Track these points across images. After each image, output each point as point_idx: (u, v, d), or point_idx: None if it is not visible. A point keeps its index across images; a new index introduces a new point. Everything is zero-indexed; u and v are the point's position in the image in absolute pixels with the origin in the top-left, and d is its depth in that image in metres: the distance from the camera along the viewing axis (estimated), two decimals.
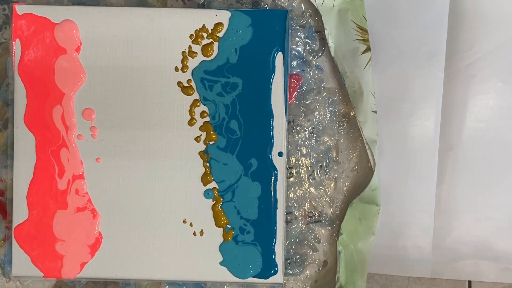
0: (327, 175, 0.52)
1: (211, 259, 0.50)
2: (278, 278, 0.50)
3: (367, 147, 0.50)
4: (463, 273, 0.52)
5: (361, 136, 0.51)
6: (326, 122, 0.52)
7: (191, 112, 0.50)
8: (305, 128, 0.52)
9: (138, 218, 0.50)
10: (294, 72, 0.52)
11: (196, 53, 0.49)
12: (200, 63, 0.49)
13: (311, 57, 0.52)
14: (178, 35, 0.49)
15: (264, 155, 0.49)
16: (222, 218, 0.50)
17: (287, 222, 0.52)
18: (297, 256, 0.52)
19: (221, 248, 0.50)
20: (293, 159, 0.52)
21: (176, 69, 0.49)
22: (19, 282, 0.53)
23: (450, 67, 0.51)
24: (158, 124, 0.50)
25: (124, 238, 0.50)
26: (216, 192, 0.50)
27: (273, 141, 0.49)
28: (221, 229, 0.50)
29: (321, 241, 0.52)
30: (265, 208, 0.49)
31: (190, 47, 0.49)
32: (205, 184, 0.50)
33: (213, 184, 0.50)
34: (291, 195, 0.52)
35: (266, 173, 0.49)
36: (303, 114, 0.52)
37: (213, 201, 0.50)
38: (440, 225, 0.52)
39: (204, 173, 0.50)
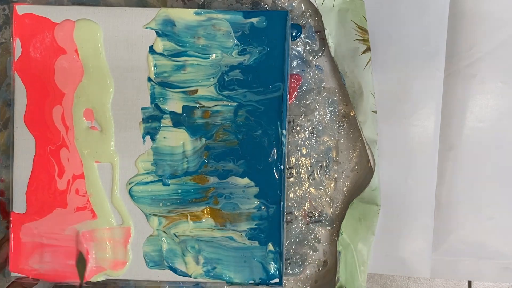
0: (327, 175, 0.52)
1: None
2: (278, 280, 0.50)
3: (367, 147, 0.50)
4: (463, 273, 0.52)
5: (361, 136, 0.51)
6: (326, 122, 0.52)
7: (192, 112, 0.50)
8: (305, 128, 0.52)
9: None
10: (294, 72, 0.52)
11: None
12: (199, 63, 0.49)
13: (311, 57, 0.52)
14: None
15: (264, 155, 0.49)
16: (221, 219, 0.50)
17: (287, 222, 0.52)
18: (297, 256, 0.52)
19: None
20: (293, 159, 0.52)
21: None
22: None
23: (450, 67, 0.51)
24: (158, 124, 0.50)
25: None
26: (215, 192, 0.50)
27: (273, 144, 0.49)
28: None
29: (321, 241, 0.52)
30: (265, 209, 0.49)
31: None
32: (203, 184, 0.50)
33: (212, 184, 0.50)
34: (291, 195, 0.52)
35: (267, 174, 0.49)
36: (303, 114, 0.52)
37: (212, 201, 0.50)
38: (440, 225, 0.52)
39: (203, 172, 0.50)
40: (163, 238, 0.50)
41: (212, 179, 0.50)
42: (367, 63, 0.49)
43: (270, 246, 0.49)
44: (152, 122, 0.50)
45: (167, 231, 0.50)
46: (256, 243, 0.50)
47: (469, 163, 0.51)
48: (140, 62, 0.49)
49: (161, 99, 0.50)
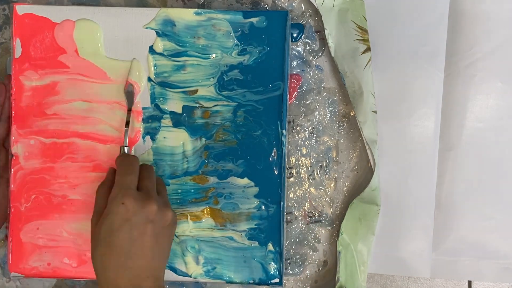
0: (327, 175, 0.52)
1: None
2: (278, 280, 0.50)
3: (367, 147, 0.50)
4: (463, 273, 0.52)
5: (361, 136, 0.51)
6: (326, 122, 0.52)
7: (192, 112, 0.50)
8: (305, 128, 0.52)
9: None
10: (294, 72, 0.52)
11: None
12: (199, 63, 0.49)
13: (311, 57, 0.52)
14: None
15: (264, 155, 0.49)
16: (221, 219, 0.50)
17: (287, 222, 0.52)
18: (297, 256, 0.52)
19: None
20: (293, 159, 0.52)
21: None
22: (19, 282, 0.53)
23: (450, 67, 0.51)
24: (158, 124, 0.50)
25: None
26: (215, 192, 0.50)
27: (273, 144, 0.49)
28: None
29: (321, 241, 0.52)
30: (265, 209, 0.49)
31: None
32: (203, 184, 0.50)
33: (211, 184, 0.50)
34: (291, 195, 0.52)
35: (266, 173, 0.49)
36: (303, 114, 0.52)
37: (212, 201, 0.50)
38: (440, 225, 0.52)
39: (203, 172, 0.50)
40: None
41: (212, 179, 0.50)
42: (367, 63, 0.49)
43: (270, 246, 0.49)
44: (152, 122, 0.50)
45: None
46: (256, 243, 0.50)
47: (469, 163, 0.51)
48: (140, 62, 0.49)
49: (161, 99, 0.50)
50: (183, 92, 0.49)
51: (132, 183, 0.43)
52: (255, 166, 0.49)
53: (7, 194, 0.49)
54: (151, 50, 0.49)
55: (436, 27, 0.51)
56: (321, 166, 0.52)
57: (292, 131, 0.52)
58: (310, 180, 0.52)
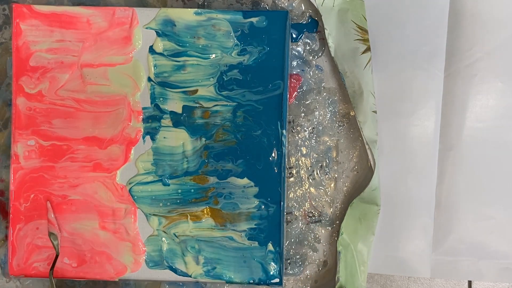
0: (327, 175, 0.52)
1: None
2: (278, 280, 0.50)
3: (367, 147, 0.50)
4: (463, 273, 0.52)
5: (361, 136, 0.51)
6: (326, 122, 0.52)
7: (192, 112, 0.50)
8: (305, 128, 0.52)
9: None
10: (294, 72, 0.52)
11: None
12: (199, 63, 0.49)
13: (311, 57, 0.52)
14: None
15: (264, 155, 0.49)
16: (221, 219, 0.50)
17: (287, 222, 0.52)
18: (297, 256, 0.52)
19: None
20: (293, 159, 0.52)
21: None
22: (19, 282, 0.53)
23: (450, 67, 0.51)
24: (158, 124, 0.50)
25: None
26: (214, 192, 0.50)
27: (273, 144, 0.49)
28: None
29: (321, 241, 0.52)
30: (265, 209, 0.49)
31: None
32: (203, 184, 0.50)
33: (211, 184, 0.50)
34: (291, 195, 0.52)
35: (266, 173, 0.49)
36: (303, 114, 0.52)
37: (212, 201, 0.50)
38: (440, 225, 0.52)
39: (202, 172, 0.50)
40: (163, 238, 0.50)
41: (212, 179, 0.50)
42: (367, 63, 0.49)
43: (270, 246, 0.50)
44: (152, 122, 0.50)
45: (167, 231, 0.50)
46: (256, 243, 0.50)
47: (469, 163, 0.51)
48: (140, 62, 0.49)
49: (161, 99, 0.50)
50: (183, 92, 0.50)
51: None
52: (255, 166, 0.49)
53: None
54: (151, 50, 0.49)
55: (436, 27, 0.51)
56: (321, 166, 0.52)
57: (292, 131, 0.52)
58: (310, 180, 0.52)
